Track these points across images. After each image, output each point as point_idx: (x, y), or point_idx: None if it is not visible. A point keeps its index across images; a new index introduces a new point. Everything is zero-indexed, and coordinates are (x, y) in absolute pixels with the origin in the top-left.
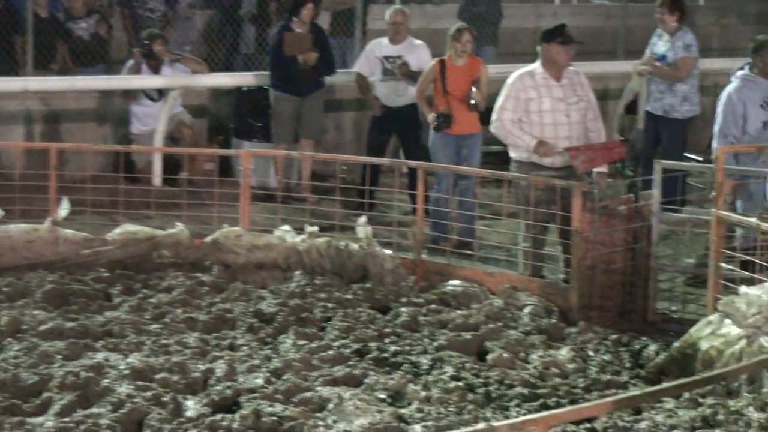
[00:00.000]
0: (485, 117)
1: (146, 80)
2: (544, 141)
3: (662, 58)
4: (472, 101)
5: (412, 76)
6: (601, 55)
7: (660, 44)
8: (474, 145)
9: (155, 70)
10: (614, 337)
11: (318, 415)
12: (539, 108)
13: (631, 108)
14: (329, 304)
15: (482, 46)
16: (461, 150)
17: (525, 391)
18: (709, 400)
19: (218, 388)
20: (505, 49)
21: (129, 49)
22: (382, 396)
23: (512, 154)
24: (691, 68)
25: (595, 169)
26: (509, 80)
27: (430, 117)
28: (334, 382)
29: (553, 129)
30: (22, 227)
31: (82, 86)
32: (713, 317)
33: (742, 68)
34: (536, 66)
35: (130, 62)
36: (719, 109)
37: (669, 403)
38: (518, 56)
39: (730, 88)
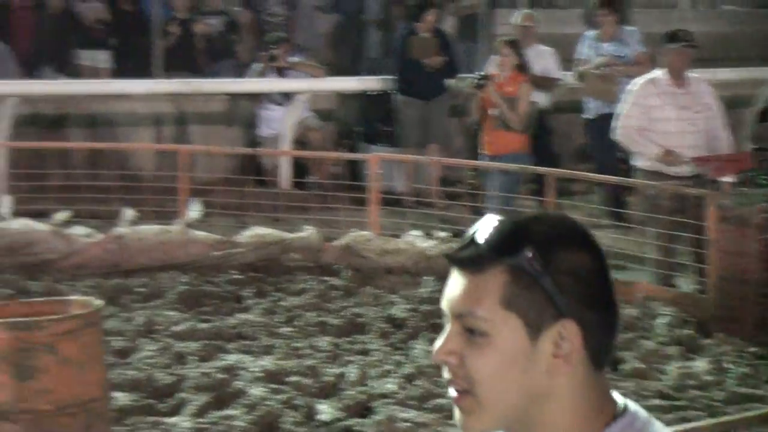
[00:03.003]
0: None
1: (271, 84)
2: (670, 150)
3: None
4: (495, 116)
5: (536, 83)
6: (729, 61)
7: (605, 46)
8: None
9: (281, 74)
10: (753, 349)
11: (451, 422)
12: (663, 116)
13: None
14: None
15: None
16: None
17: (662, 402)
18: None
19: (351, 392)
20: None
21: (255, 52)
22: None
23: (637, 162)
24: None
25: (722, 179)
26: (633, 87)
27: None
28: None
29: (678, 137)
30: (154, 228)
31: (208, 89)
32: None
33: None
34: (660, 73)
35: (257, 66)
36: None
37: None
38: None
39: None
